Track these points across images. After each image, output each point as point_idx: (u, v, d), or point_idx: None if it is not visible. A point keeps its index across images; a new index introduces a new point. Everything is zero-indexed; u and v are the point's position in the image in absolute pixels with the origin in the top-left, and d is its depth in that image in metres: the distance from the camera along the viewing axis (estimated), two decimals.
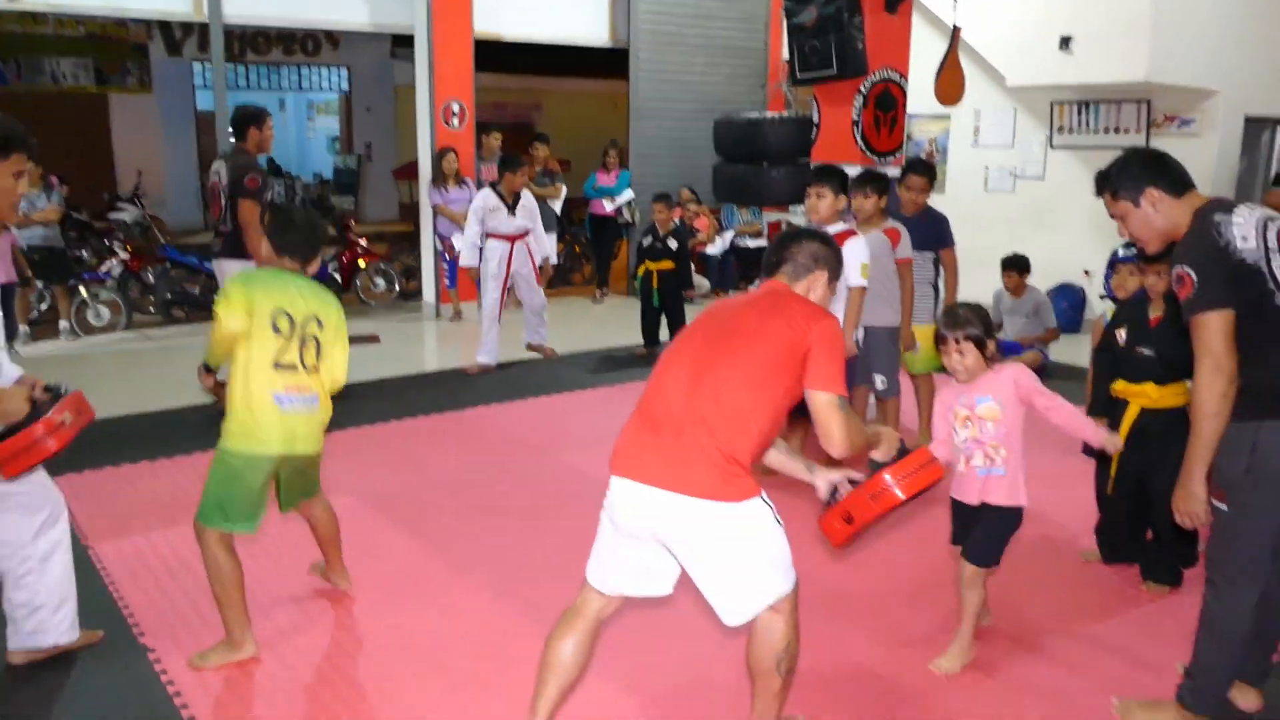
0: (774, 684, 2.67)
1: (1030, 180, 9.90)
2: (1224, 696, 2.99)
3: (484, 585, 3.97)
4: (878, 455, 2.85)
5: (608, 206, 10.79)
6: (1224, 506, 2.78)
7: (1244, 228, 2.69)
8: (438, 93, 9.76)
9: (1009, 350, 7.71)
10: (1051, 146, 9.67)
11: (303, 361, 3.33)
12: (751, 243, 11.39)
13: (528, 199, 7.53)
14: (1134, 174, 2.88)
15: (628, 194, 10.80)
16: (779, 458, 2.90)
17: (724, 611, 2.61)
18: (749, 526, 2.54)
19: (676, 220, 8.24)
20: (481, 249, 7.51)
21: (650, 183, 11.11)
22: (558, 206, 10.44)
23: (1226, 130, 8.67)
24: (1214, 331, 2.66)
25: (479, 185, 9.81)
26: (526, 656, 3.23)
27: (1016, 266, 7.84)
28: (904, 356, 5.55)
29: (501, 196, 7.40)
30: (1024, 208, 9.86)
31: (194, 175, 15.35)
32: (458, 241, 9.28)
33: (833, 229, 4.73)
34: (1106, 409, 4.05)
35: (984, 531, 3.29)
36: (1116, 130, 9.14)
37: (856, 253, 4.69)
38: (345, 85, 17.35)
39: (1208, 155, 8.63)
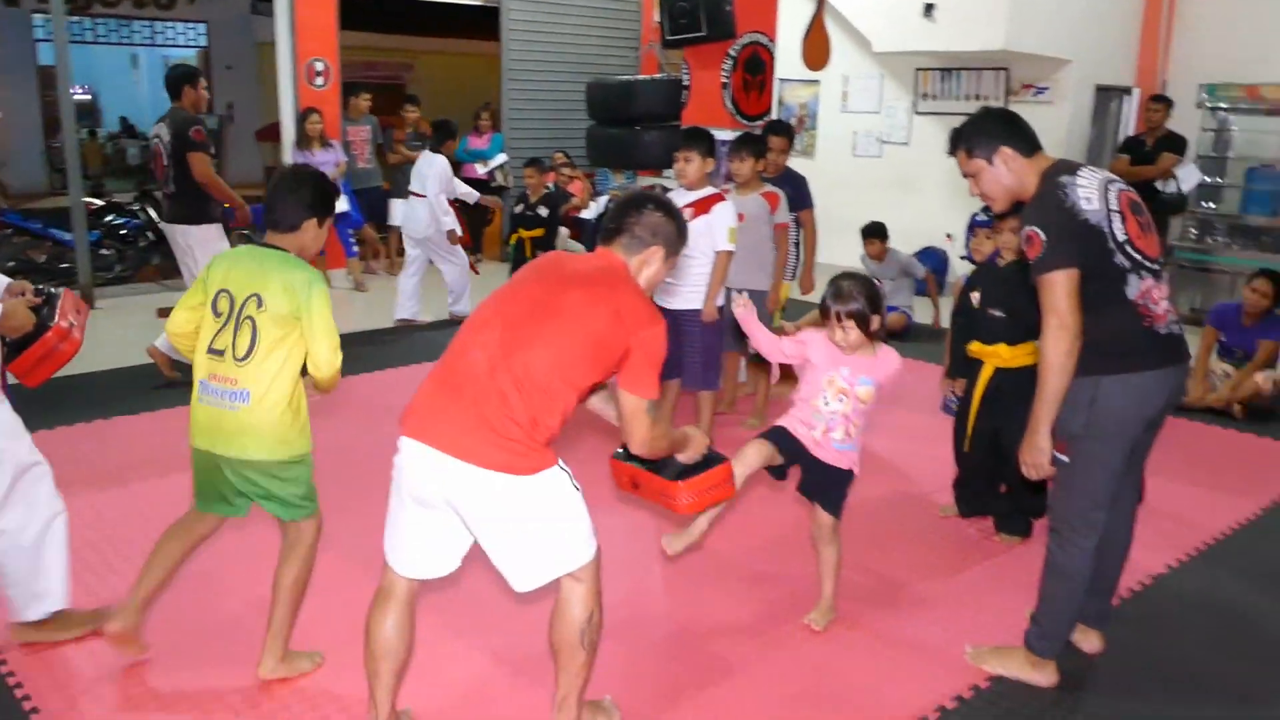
0: (578, 658, 2.58)
1: (896, 145, 10.16)
2: (1067, 640, 3.14)
3: (354, 562, 3.88)
4: (683, 457, 2.80)
5: (480, 170, 10.61)
6: (1065, 458, 2.90)
7: (1088, 189, 2.79)
8: (300, 50, 9.38)
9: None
10: (916, 113, 9.93)
11: (234, 349, 2.82)
12: None
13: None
14: (988, 132, 2.93)
15: (501, 157, 10.64)
16: (596, 401, 2.81)
17: (513, 577, 2.52)
18: (543, 497, 2.46)
19: (549, 185, 8.16)
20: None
21: (524, 146, 10.98)
22: None
23: (1078, 99, 9.04)
24: (1060, 290, 2.74)
25: (346, 148, 9.54)
26: None
27: (876, 234, 8.01)
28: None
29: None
30: (890, 172, 10.11)
31: (39, 135, 14.49)
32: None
33: (701, 193, 4.75)
34: (964, 369, 4.20)
35: (828, 483, 3.34)
36: (977, 97, 9.43)
37: (725, 217, 4.73)
38: (203, 41, 16.60)
39: (1061, 122, 8.99)
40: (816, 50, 6.72)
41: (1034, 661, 3.12)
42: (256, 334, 2.80)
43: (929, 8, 8.69)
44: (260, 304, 2.81)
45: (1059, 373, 2.77)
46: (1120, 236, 2.79)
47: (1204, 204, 8.87)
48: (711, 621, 3.48)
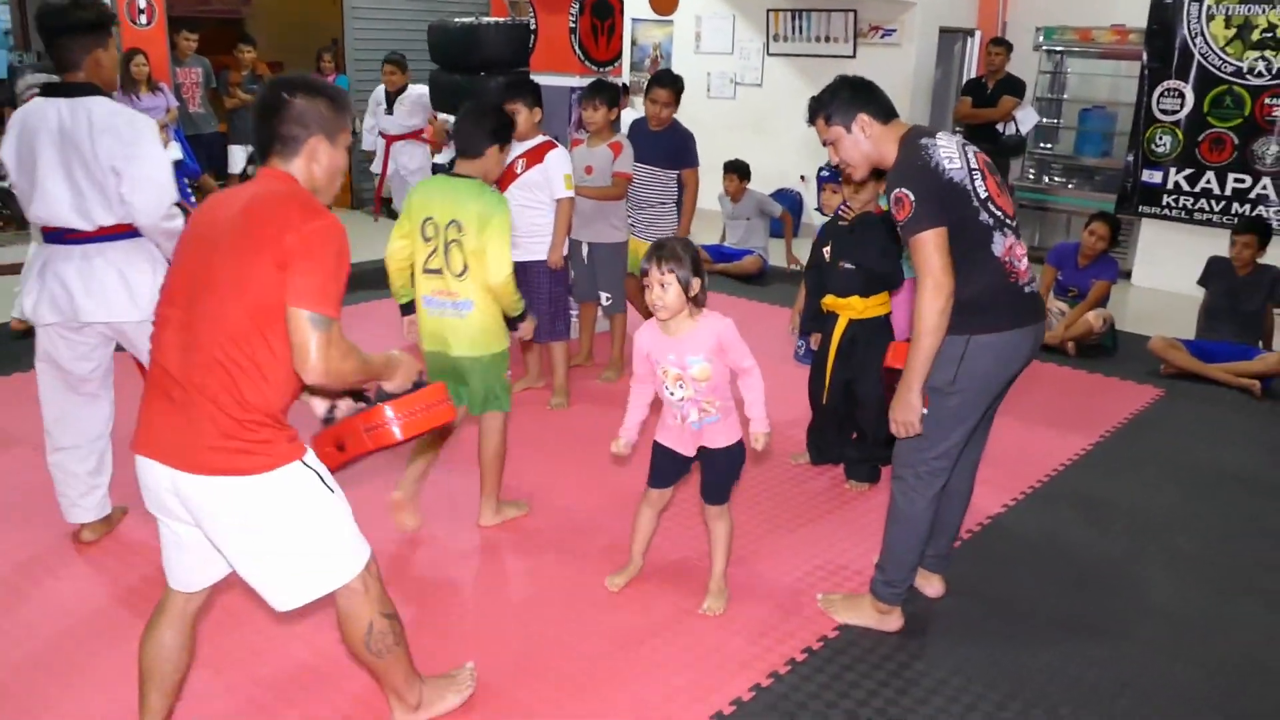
0: (376, 665, 2.48)
1: (749, 87, 10.16)
2: (910, 586, 3.24)
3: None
4: (390, 386, 2.46)
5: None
6: (925, 410, 2.90)
7: (948, 149, 2.82)
8: None
9: (732, 256, 7.98)
10: (769, 54, 9.93)
11: (449, 267, 3.41)
12: None
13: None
14: (845, 100, 2.93)
15: None
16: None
17: (268, 595, 2.30)
18: (281, 500, 2.20)
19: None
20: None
21: (371, 89, 10.54)
22: None
23: (923, 40, 9.18)
24: (932, 248, 2.74)
25: (176, 91, 8.99)
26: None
27: (737, 170, 8.04)
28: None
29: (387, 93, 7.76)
30: (744, 114, 10.11)
31: None
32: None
33: (530, 143, 4.61)
34: (819, 323, 4.24)
35: (713, 475, 3.23)
36: (827, 39, 9.49)
37: (559, 164, 4.64)
38: None
39: (907, 64, 9.13)
40: None
41: (880, 609, 3.21)
42: (465, 253, 3.39)
43: None
44: (460, 229, 3.38)
45: (933, 333, 2.77)
46: (982, 194, 2.83)
47: (1042, 145, 9.19)
48: (553, 586, 3.46)
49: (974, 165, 2.85)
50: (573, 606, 3.32)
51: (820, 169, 4.55)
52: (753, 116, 10.01)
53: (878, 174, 3.13)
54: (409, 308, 3.67)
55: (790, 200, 9.74)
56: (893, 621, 3.22)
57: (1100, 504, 4.24)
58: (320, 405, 2.49)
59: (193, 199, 8.90)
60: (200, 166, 9.17)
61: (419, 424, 2.47)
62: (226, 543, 2.23)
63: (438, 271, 3.43)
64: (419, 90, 7.55)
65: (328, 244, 2.13)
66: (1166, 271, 8.09)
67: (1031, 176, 9.15)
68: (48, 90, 3.26)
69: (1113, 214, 6.55)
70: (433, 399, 2.51)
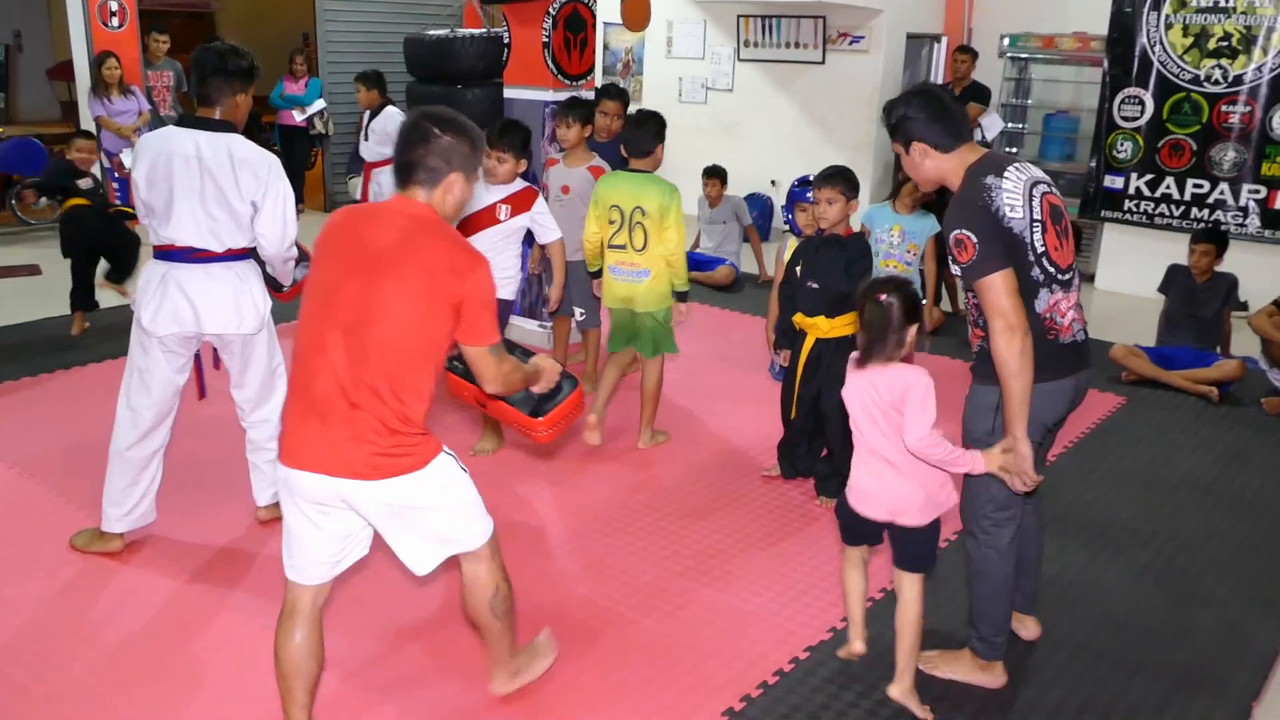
0: (495, 627, 2.78)
1: (720, 92, 10.26)
2: (1004, 635, 3.14)
3: (164, 567, 3.76)
4: (537, 388, 2.90)
5: (297, 117, 10.15)
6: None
7: (1013, 195, 2.72)
8: None
9: (706, 264, 8.06)
10: (739, 59, 10.03)
11: (632, 243, 4.48)
12: None
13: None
14: (906, 121, 2.85)
15: (319, 104, 10.18)
16: None
17: (411, 562, 2.64)
18: (437, 488, 2.55)
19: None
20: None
21: (344, 91, 10.54)
22: None
23: (891, 46, 9.31)
24: (1000, 291, 2.68)
25: (148, 94, 8.96)
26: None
27: (718, 175, 8.12)
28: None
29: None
30: (716, 119, 10.22)
31: None
32: (127, 159, 8.48)
33: (513, 187, 4.49)
34: (789, 339, 4.34)
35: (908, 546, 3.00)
36: (797, 45, 9.60)
37: (544, 210, 4.62)
38: None
39: (875, 69, 9.26)
40: (636, 11, 6.67)
41: (981, 665, 3.15)
42: (646, 233, 4.44)
43: None
44: (644, 213, 4.44)
45: (1018, 375, 2.68)
46: (1039, 248, 2.76)
47: (1007, 149, 9.34)
48: (534, 606, 3.55)
49: (1037, 215, 2.75)
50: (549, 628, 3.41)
51: (793, 185, 4.61)
52: (725, 121, 10.11)
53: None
54: (598, 274, 4.75)
55: (762, 204, 9.85)
56: (996, 676, 3.14)
57: (1064, 516, 4.36)
58: None
59: None
60: None
61: (560, 431, 3.09)
62: (390, 527, 2.57)
63: (622, 247, 4.51)
64: (388, 116, 7.05)
65: (491, 288, 2.51)
66: (1129, 275, 8.28)
67: None
68: (183, 121, 3.53)
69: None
70: (572, 406, 3.07)
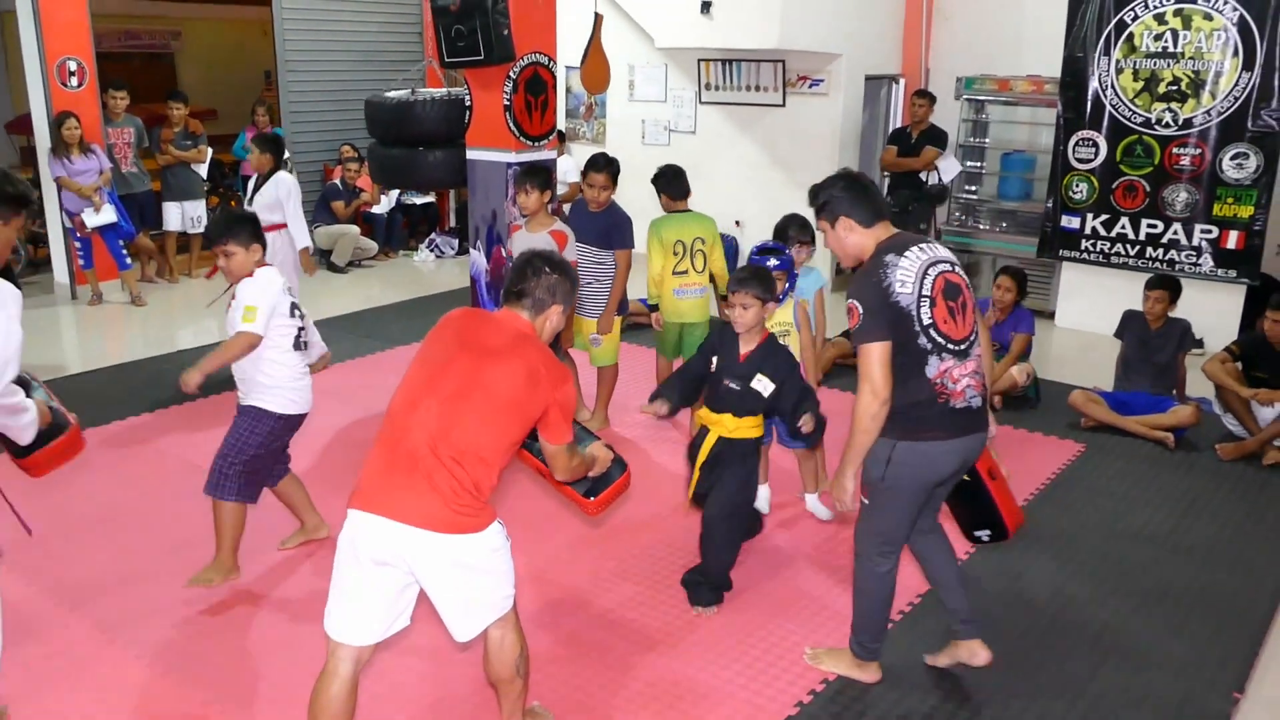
0: (516, 686, 3.00)
1: (683, 134, 10.36)
2: (880, 643, 3.59)
3: (147, 656, 3.75)
4: (594, 473, 3.30)
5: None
6: (866, 500, 3.36)
7: (906, 272, 3.08)
8: (49, 49, 8.67)
9: None
10: (701, 102, 10.13)
11: (693, 267, 5.63)
12: (419, 199, 11.18)
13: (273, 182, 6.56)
14: (833, 200, 3.25)
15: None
16: None
17: (457, 630, 2.86)
18: (489, 551, 2.79)
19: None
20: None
21: (308, 140, 10.59)
22: (203, 170, 9.71)
23: (850, 88, 9.43)
24: (873, 360, 3.06)
25: (109, 152, 8.94)
26: None
27: None
28: (590, 351, 5.77)
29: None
30: (678, 160, 10.16)
31: None
32: (89, 218, 8.47)
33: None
34: (672, 395, 4.11)
35: None
36: (757, 88, 9.71)
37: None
38: None
39: (835, 111, 9.38)
40: (595, 73, 6.75)
41: (859, 663, 3.61)
42: (705, 257, 5.66)
43: (706, 6, 8.85)
44: (704, 242, 5.64)
45: (865, 432, 3.12)
46: (925, 321, 3.10)
47: (967, 189, 9.49)
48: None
49: (926, 291, 3.09)
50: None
51: (752, 251, 4.63)
52: (687, 162, 9.98)
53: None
54: (655, 307, 5.72)
55: (726, 245, 9.85)
56: (870, 674, 3.61)
57: (1022, 579, 4.45)
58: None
59: (128, 261, 8.84)
60: (135, 227, 9.13)
61: (607, 508, 3.50)
62: (439, 582, 2.78)
63: (685, 273, 5.59)
64: (278, 181, 6.53)
65: (573, 400, 3.00)
66: (1087, 312, 8.42)
67: (959, 220, 9.44)
68: None
69: (1016, 267, 6.81)
70: (621, 487, 3.46)
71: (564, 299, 2.98)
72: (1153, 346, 6.34)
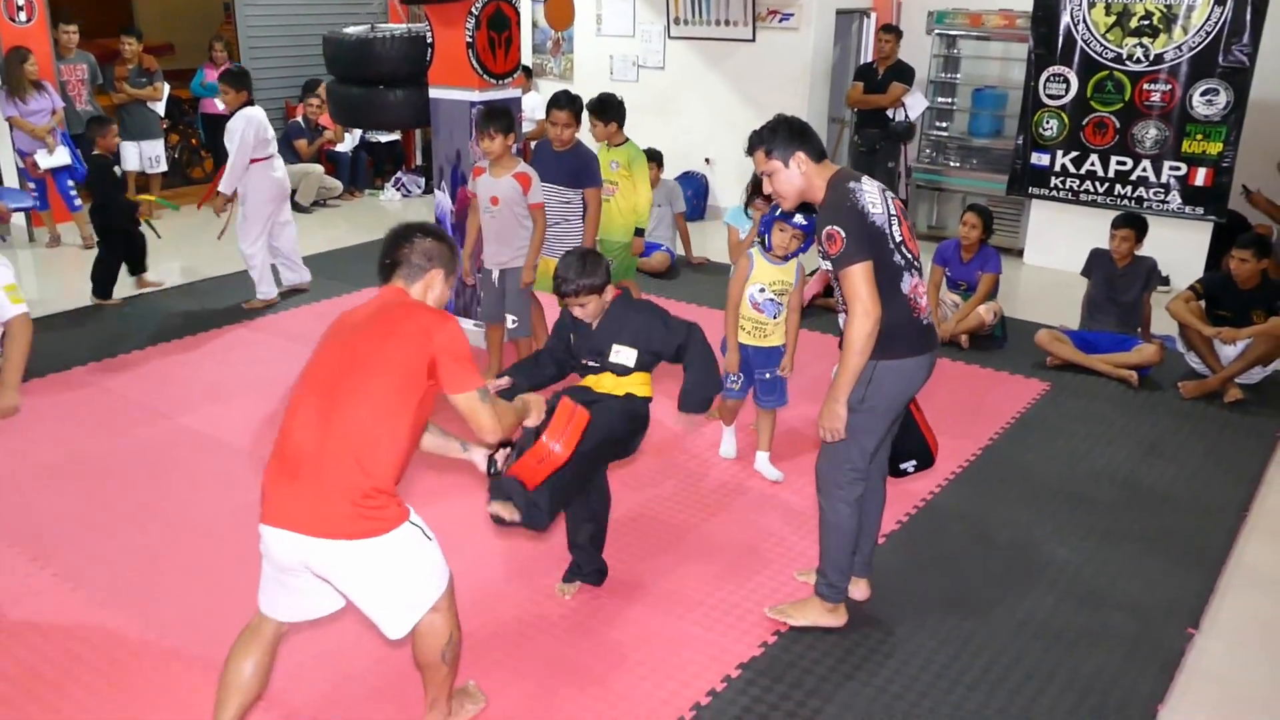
0: (441, 672, 2.89)
1: (652, 70, 10.18)
2: (847, 581, 3.62)
3: (98, 599, 3.74)
4: (531, 422, 3.08)
5: (221, 105, 9.88)
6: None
7: (871, 195, 3.20)
8: None
9: (651, 249, 8.05)
10: (670, 37, 9.95)
11: None
12: (384, 137, 10.99)
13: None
14: (785, 138, 3.28)
15: None
16: (433, 441, 3.00)
17: (386, 627, 2.74)
18: (399, 552, 2.64)
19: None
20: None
21: (269, 77, 10.35)
22: (160, 108, 9.47)
23: (820, 23, 9.28)
24: (860, 280, 3.12)
25: (62, 89, 8.69)
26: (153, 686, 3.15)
27: (655, 159, 8.10)
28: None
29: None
30: (648, 97, 10.13)
31: None
32: (42, 160, 8.26)
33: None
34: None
35: None
36: (727, 23, 9.54)
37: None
38: None
39: (805, 47, 9.23)
40: (559, 9, 6.58)
41: (828, 608, 3.61)
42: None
43: None
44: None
45: (860, 354, 3.16)
46: (898, 238, 3.24)
47: (937, 124, 9.42)
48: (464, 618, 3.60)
49: (892, 211, 3.25)
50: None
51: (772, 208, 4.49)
52: (656, 99, 10.03)
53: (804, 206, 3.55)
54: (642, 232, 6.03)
55: (696, 183, 9.85)
56: (840, 617, 3.63)
57: (984, 519, 4.49)
58: (481, 460, 3.06)
59: (77, 203, 8.60)
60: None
61: (572, 437, 3.11)
62: (353, 591, 2.66)
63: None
64: (246, 117, 6.77)
65: (462, 341, 2.69)
66: (1056, 250, 8.42)
67: (929, 157, 9.38)
68: None
69: (982, 206, 6.78)
70: (568, 414, 3.12)
71: (443, 263, 2.81)
72: (1119, 285, 6.36)
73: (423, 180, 10.91)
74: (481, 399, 2.71)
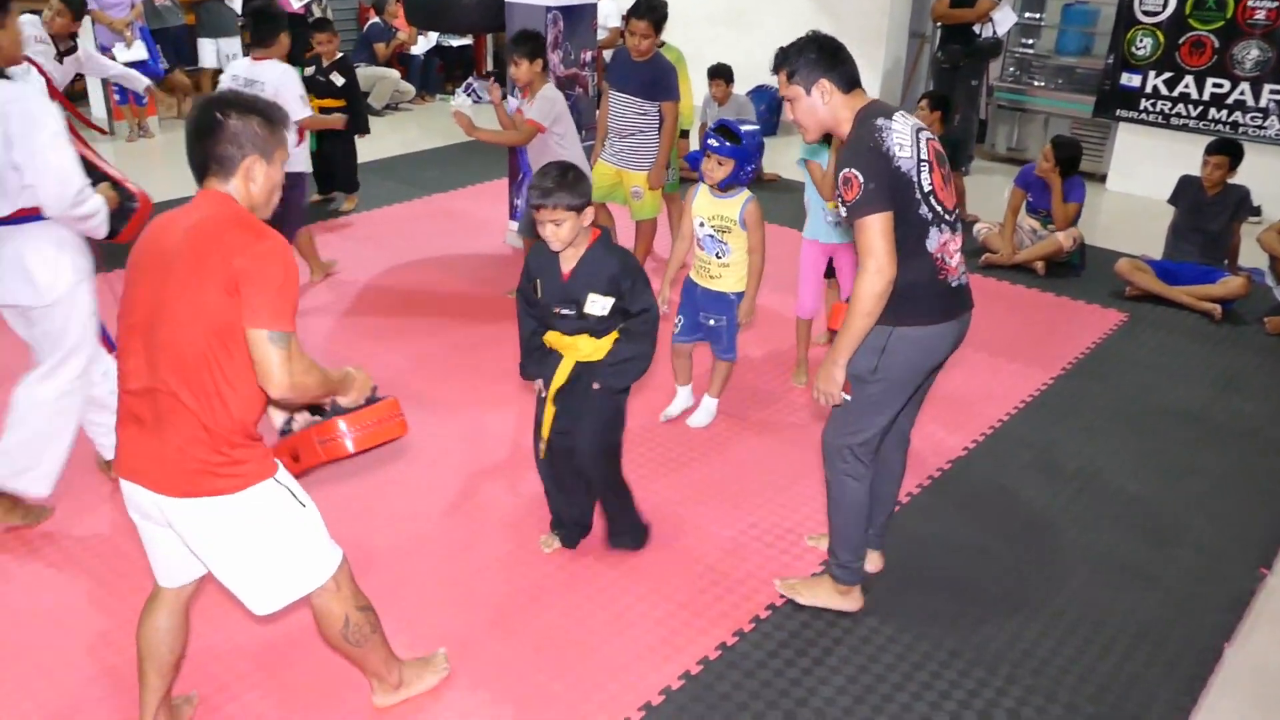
0: (353, 654, 2.68)
1: None
2: (861, 560, 3.31)
3: None
4: (345, 401, 2.51)
5: (294, 3, 9.83)
6: (848, 397, 2.98)
7: (901, 135, 2.79)
8: None
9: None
10: None
11: None
12: (456, 41, 10.89)
13: None
14: (811, 61, 2.86)
15: None
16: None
17: (247, 600, 2.46)
18: (257, 516, 2.35)
19: (339, 53, 7.08)
20: None
21: None
22: (237, 5, 9.45)
23: None
24: (877, 233, 2.74)
25: None
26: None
27: (723, 75, 7.97)
28: (630, 205, 5.64)
29: None
30: (722, 4, 9.90)
31: None
32: (120, 53, 8.32)
33: None
34: (538, 366, 3.43)
35: None
36: None
37: None
38: None
39: None
40: None
41: (840, 590, 3.32)
42: None
43: None
44: None
45: (868, 315, 2.80)
46: (926, 187, 2.82)
47: (1023, 41, 9.06)
48: (448, 584, 3.65)
49: (924, 155, 2.83)
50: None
51: (708, 131, 4.18)
52: (730, 10, 9.80)
53: (825, 139, 3.07)
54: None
55: (769, 97, 9.62)
56: (853, 600, 3.32)
57: (1053, 448, 4.43)
58: (279, 417, 2.62)
59: (143, 100, 8.56)
60: (171, 62, 8.98)
61: (371, 438, 2.54)
62: (206, 555, 2.38)
63: None
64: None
65: (274, 263, 2.20)
66: (1141, 177, 8.13)
67: (1012, 75, 9.05)
68: None
69: (1067, 138, 6.51)
70: (385, 414, 2.58)
71: (258, 145, 2.28)
72: (1206, 213, 6.12)
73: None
74: (274, 341, 2.17)
